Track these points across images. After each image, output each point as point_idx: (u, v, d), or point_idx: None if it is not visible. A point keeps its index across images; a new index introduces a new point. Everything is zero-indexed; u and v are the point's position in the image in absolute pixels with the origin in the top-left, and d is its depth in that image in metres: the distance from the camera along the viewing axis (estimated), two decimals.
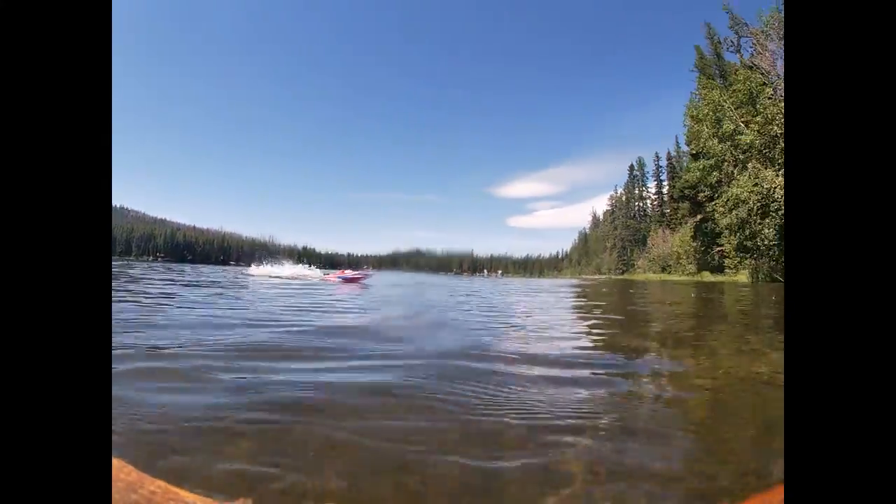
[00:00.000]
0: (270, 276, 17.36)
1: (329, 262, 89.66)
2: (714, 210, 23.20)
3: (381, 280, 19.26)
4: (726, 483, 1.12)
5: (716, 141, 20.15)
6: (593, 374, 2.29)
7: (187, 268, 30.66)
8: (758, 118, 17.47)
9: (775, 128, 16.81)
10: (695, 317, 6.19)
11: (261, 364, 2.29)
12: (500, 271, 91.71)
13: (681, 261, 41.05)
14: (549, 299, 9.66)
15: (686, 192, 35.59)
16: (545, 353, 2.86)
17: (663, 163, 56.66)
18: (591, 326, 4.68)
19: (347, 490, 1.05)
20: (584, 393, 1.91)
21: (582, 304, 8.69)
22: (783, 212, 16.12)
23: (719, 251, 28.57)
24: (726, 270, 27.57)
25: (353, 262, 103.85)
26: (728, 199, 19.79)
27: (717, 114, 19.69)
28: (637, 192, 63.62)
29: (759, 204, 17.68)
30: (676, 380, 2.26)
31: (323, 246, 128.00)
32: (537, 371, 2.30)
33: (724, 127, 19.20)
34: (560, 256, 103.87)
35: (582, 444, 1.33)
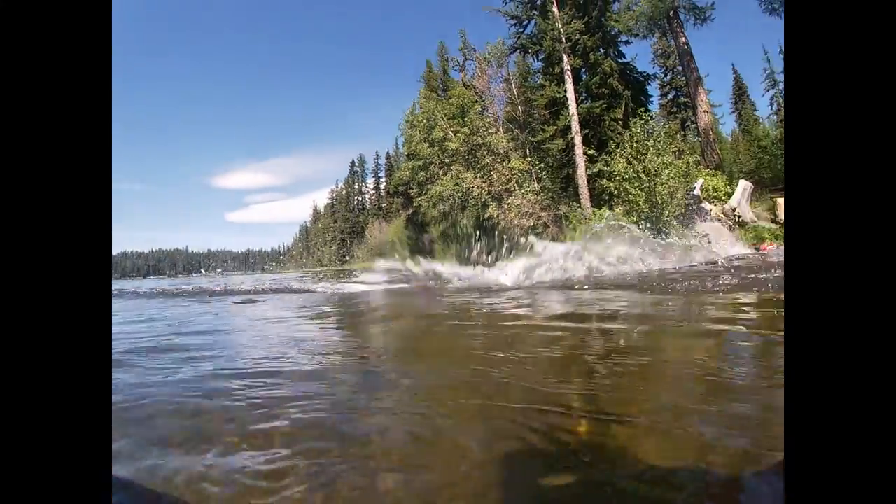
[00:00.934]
0: None
1: None
2: (420, 204, 27.72)
3: None
4: None
5: (426, 145, 23.88)
6: None
7: None
8: (465, 129, 21.82)
9: (479, 138, 21.46)
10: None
11: None
12: (220, 270, 79.80)
13: (395, 248, 47.22)
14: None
15: (399, 188, 41.06)
16: None
17: (382, 161, 63.21)
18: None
19: None
20: None
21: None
22: (478, 206, 21.11)
23: (428, 238, 34.72)
24: (437, 255, 33.79)
25: None
26: (432, 196, 24.13)
27: (430, 122, 23.33)
28: (357, 186, 67.79)
29: (460, 200, 22.40)
30: None
31: None
32: None
33: (435, 133, 22.98)
34: (281, 251, 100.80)
35: None
